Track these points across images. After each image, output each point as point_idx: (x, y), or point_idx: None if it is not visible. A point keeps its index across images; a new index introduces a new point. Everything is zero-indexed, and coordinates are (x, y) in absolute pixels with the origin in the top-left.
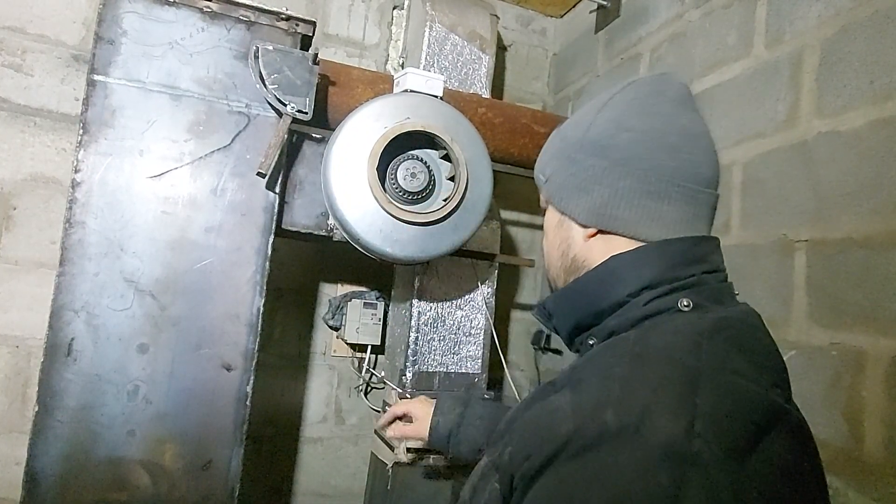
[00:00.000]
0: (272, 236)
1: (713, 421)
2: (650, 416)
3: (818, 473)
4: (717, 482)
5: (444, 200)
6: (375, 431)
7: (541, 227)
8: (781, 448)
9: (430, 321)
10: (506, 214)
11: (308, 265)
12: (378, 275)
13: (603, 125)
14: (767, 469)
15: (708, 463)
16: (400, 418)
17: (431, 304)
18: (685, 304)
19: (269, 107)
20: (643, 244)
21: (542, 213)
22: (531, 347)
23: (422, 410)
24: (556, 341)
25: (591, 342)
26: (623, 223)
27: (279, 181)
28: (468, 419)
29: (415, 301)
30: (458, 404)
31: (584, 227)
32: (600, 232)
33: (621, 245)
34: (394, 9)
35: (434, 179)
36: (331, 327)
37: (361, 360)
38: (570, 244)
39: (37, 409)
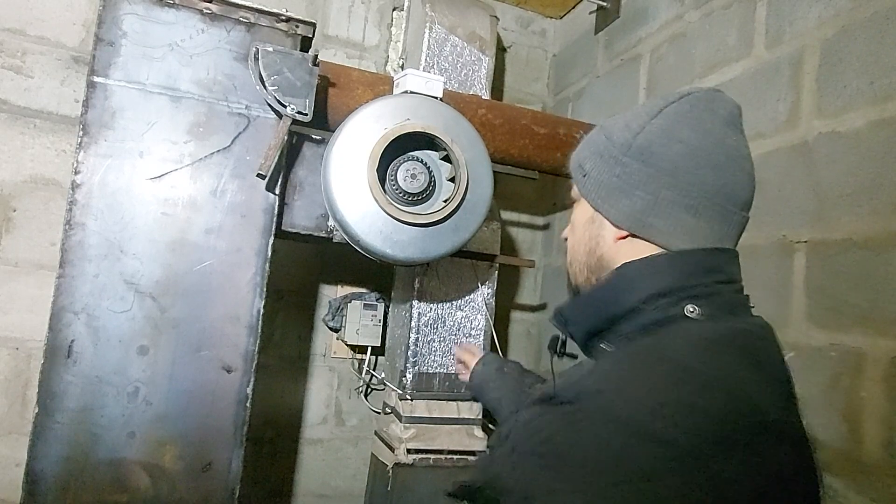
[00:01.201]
0: (272, 238)
1: (690, 412)
2: (628, 391)
3: (813, 490)
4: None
5: (445, 201)
6: (376, 432)
7: (541, 228)
8: (776, 459)
9: (430, 322)
10: (506, 215)
11: (308, 267)
12: (378, 276)
13: (655, 133)
14: (750, 474)
15: (668, 444)
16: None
17: (431, 306)
18: (690, 310)
19: (269, 108)
20: (660, 252)
21: (570, 205)
22: (531, 348)
23: (472, 360)
24: (574, 346)
25: (602, 346)
26: (656, 232)
27: (279, 182)
28: (507, 379)
29: (415, 302)
30: (497, 363)
31: (617, 227)
32: (631, 236)
33: (647, 251)
34: (393, 10)
35: (434, 180)
36: (331, 329)
37: (361, 361)
38: (598, 242)
39: (37, 410)
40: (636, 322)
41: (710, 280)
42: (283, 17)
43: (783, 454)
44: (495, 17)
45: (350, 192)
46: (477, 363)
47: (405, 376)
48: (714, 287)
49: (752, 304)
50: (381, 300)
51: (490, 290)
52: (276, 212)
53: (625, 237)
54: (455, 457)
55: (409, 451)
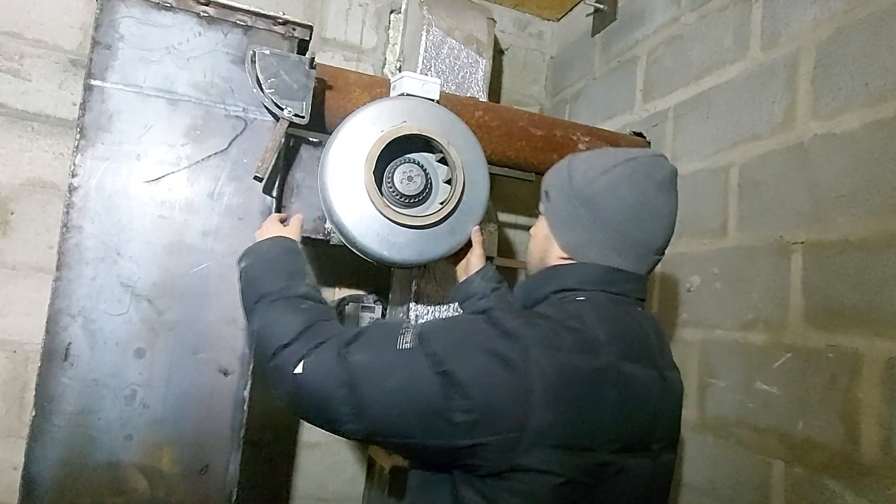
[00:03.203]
0: None
1: (543, 337)
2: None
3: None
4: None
5: (441, 204)
6: None
7: None
8: (607, 387)
9: None
10: (503, 217)
11: None
12: (376, 278)
13: (601, 187)
14: (552, 370)
15: (528, 344)
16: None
17: (429, 308)
18: (580, 297)
19: (266, 111)
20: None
21: (536, 215)
22: None
23: (475, 261)
24: None
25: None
26: (587, 259)
27: (276, 185)
28: (492, 297)
29: (412, 304)
30: (495, 280)
31: (562, 250)
32: (570, 258)
33: None
34: (391, 13)
35: (431, 183)
36: None
37: None
38: (547, 255)
39: (34, 413)
40: (546, 300)
41: (597, 287)
42: (281, 20)
43: (615, 389)
44: (492, 19)
45: (347, 194)
46: (477, 273)
47: None
48: (598, 290)
49: (639, 305)
50: (378, 302)
51: None
52: (273, 214)
53: (566, 257)
54: None
55: None
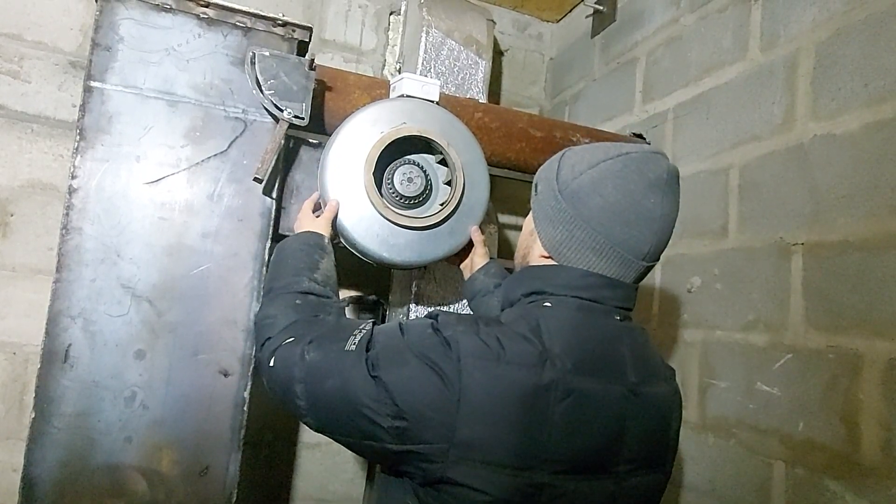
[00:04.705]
0: (269, 242)
1: (479, 341)
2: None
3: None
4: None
5: (441, 205)
6: None
7: None
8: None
9: None
10: (503, 219)
11: None
12: (376, 279)
13: (586, 182)
14: (489, 381)
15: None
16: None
17: (429, 309)
18: (547, 303)
19: (266, 112)
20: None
21: (528, 210)
22: None
23: (478, 260)
24: None
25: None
26: (567, 260)
27: (276, 186)
28: (496, 293)
29: (413, 305)
30: (499, 276)
31: (543, 248)
32: (551, 257)
33: None
34: (390, 14)
35: (431, 184)
36: None
37: None
38: (529, 253)
39: (34, 415)
40: (518, 303)
41: (568, 292)
42: (280, 22)
43: (565, 403)
44: (492, 20)
45: (347, 195)
46: (479, 270)
47: None
48: (567, 297)
49: (617, 314)
50: (379, 303)
51: None
52: (272, 215)
53: (547, 257)
54: None
55: None
